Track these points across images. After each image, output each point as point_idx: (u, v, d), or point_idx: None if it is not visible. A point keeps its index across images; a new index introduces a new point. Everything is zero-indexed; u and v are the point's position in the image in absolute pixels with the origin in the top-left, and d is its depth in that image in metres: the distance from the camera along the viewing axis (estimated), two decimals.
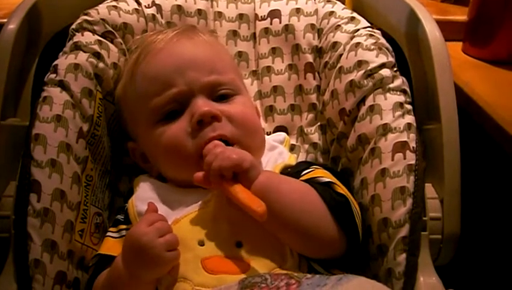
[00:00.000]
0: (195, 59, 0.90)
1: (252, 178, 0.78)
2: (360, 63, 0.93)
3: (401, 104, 0.88)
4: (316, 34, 1.06)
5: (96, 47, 0.94)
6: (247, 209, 0.74)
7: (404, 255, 0.78)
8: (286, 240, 0.79)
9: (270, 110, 1.06)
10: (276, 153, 0.94)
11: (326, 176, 0.84)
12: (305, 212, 0.79)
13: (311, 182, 0.83)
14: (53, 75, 0.89)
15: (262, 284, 0.67)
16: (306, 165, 0.90)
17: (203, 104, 0.86)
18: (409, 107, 0.89)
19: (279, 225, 0.78)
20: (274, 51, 1.08)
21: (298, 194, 0.80)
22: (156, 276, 0.77)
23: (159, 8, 1.06)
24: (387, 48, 0.94)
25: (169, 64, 0.89)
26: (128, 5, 1.03)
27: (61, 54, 0.93)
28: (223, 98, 0.90)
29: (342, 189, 0.82)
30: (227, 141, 0.85)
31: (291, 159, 0.93)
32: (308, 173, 0.86)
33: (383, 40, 0.96)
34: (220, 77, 0.90)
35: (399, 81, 0.91)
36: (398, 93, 0.89)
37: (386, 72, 0.91)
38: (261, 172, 0.80)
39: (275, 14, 1.08)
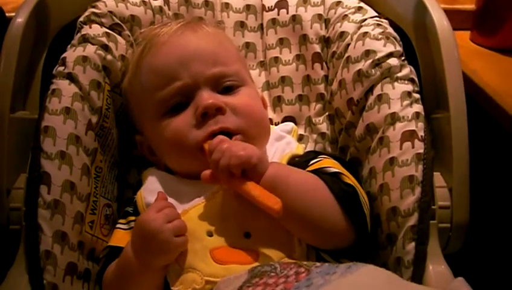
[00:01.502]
0: (199, 51, 0.90)
1: (261, 172, 0.78)
2: (367, 53, 0.93)
3: (409, 93, 0.88)
4: (323, 24, 1.05)
5: (104, 39, 0.94)
6: (263, 206, 0.74)
7: (413, 244, 0.78)
8: (295, 232, 0.79)
9: (278, 101, 1.06)
10: (284, 143, 0.94)
11: (334, 166, 0.84)
12: (314, 203, 0.79)
13: (319, 172, 0.83)
14: (61, 68, 0.89)
15: (272, 273, 0.67)
16: (313, 154, 0.90)
17: (207, 97, 0.86)
18: (417, 96, 0.88)
19: (287, 217, 0.77)
20: (281, 42, 1.07)
21: (306, 186, 0.80)
22: (165, 262, 0.77)
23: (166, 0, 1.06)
24: (394, 37, 0.94)
25: (173, 57, 0.89)
26: None
27: (69, 46, 0.93)
28: (228, 90, 0.90)
29: (349, 179, 0.82)
30: (230, 132, 0.85)
31: (298, 149, 0.93)
32: (315, 163, 0.86)
33: (390, 30, 0.96)
34: (224, 68, 0.90)
35: (407, 70, 0.90)
36: (406, 82, 0.89)
37: (393, 61, 0.91)
38: (269, 165, 0.79)
39: (282, 4, 1.08)
